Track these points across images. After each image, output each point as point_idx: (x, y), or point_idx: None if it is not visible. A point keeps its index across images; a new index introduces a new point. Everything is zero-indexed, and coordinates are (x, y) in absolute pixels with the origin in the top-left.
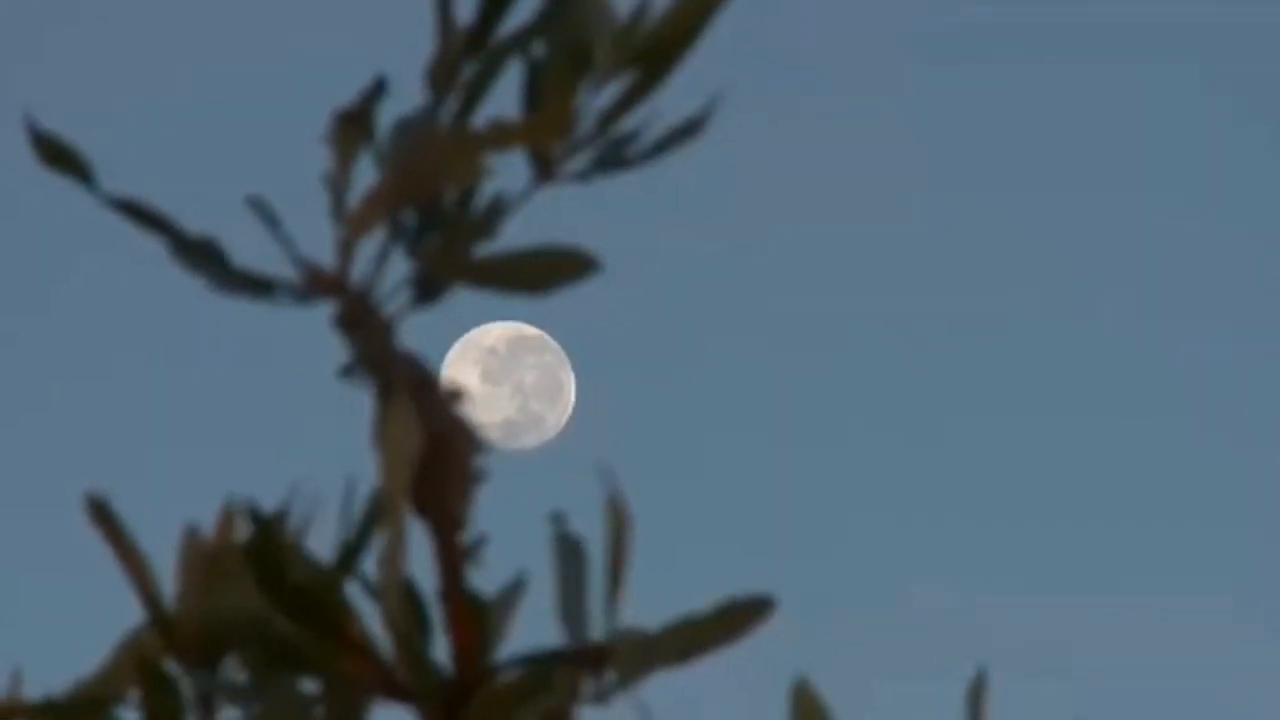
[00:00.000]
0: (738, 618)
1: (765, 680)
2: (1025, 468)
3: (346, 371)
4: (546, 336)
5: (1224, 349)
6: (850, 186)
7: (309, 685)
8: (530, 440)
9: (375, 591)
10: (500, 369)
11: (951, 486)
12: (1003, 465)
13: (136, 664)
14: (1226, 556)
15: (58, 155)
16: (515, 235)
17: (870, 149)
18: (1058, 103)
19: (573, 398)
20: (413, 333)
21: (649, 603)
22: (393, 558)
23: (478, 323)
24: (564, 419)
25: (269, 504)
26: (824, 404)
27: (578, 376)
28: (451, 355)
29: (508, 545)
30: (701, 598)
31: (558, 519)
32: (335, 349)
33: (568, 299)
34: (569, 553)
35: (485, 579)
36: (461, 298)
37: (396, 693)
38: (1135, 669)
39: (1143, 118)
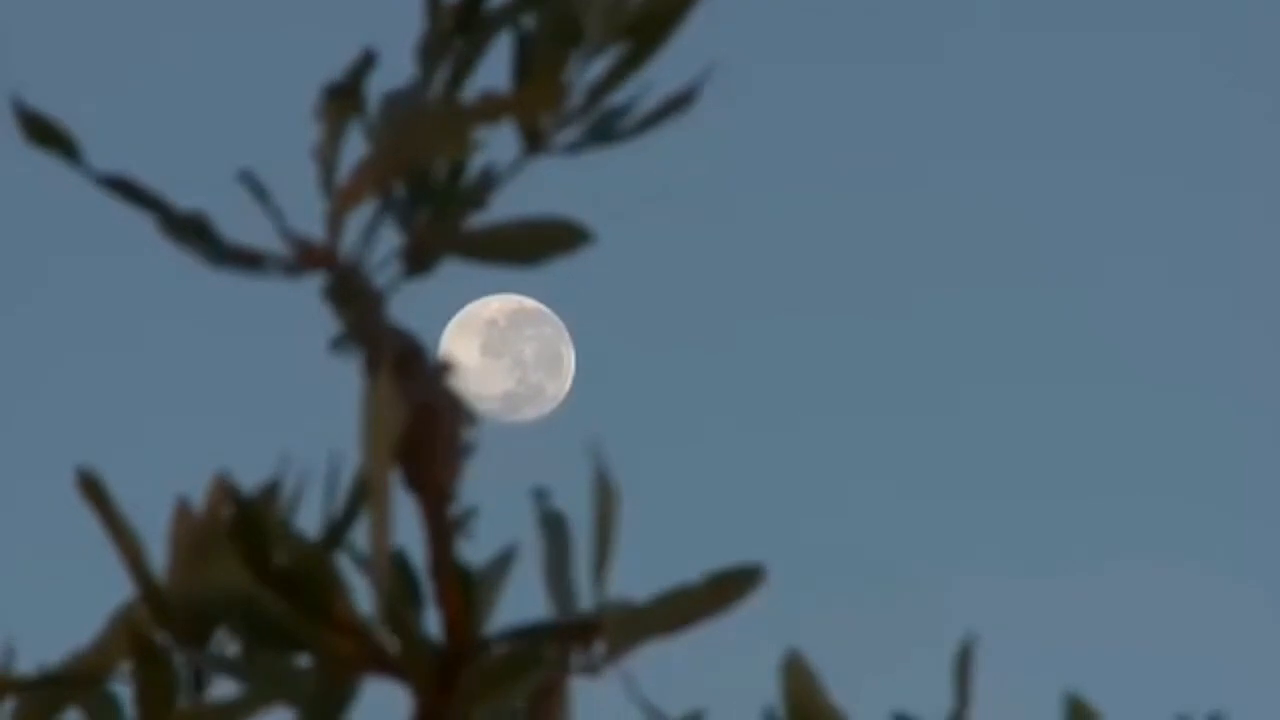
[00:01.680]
0: (727, 588)
1: (761, 659)
2: (1016, 446)
3: (336, 345)
4: (546, 309)
5: (1211, 324)
6: (849, 159)
7: (299, 660)
8: (530, 413)
9: (364, 566)
10: (500, 341)
11: (938, 464)
12: (992, 443)
13: (128, 637)
14: (1220, 534)
15: (44, 133)
16: (514, 208)
17: (870, 120)
18: (1057, 77)
19: (572, 370)
20: (411, 305)
21: (643, 576)
22: (379, 532)
23: (477, 296)
24: (564, 391)
25: (260, 478)
26: (823, 377)
27: (577, 349)
28: (451, 328)
29: (507, 518)
30: (696, 570)
31: (541, 495)
32: (326, 322)
33: (568, 272)
34: (554, 527)
35: (484, 552)
36: (460, 272)
37: (387, 668)
38: (1123, 645)
39: (1147, 91)
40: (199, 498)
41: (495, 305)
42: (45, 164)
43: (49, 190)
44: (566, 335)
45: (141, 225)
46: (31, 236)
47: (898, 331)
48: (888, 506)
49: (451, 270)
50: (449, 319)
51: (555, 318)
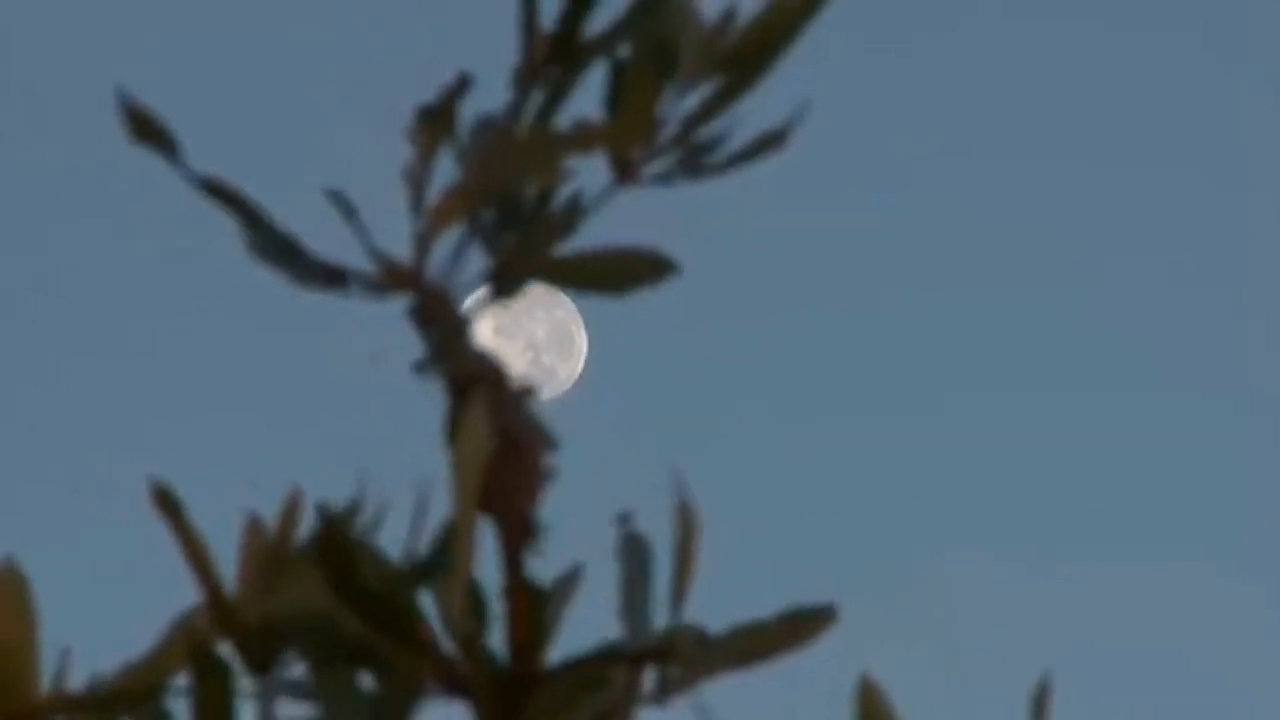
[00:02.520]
0: (801, 626)
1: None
2: (1013, 442)
3: (419, 367)
4: (558, 291)
5: (1213, 320)
6: (855, 152)
7: (366, 680)
8: (543, 394)
9: (441, 592)
10: (512, 323)
11: (932, 459)
12: (987, 439)
13: (187, 646)
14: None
15: (148, 130)
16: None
17: (874, 116)
18: (1059, 70)
19: (584, 351)
20: None
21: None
22: (462, 561)
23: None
24: (576, 373)
25: (335, 498)
26: (822, 369)
27: (589, 331)
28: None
29: None
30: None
31: (624, 519)
32: (409, 343)
33: None
34: (633, 550)
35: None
36: None
37: (456, 688)
38: (1120, 637)
39: (1146, 85)
40: (268, 516)
41: None
42: (144, 175)
43: (137, 196)
44: (579, 317)
45: (226, 234)
46: (111, 241)
47: (900, 326)
48: (884, 501)
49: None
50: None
51: (567, 300)
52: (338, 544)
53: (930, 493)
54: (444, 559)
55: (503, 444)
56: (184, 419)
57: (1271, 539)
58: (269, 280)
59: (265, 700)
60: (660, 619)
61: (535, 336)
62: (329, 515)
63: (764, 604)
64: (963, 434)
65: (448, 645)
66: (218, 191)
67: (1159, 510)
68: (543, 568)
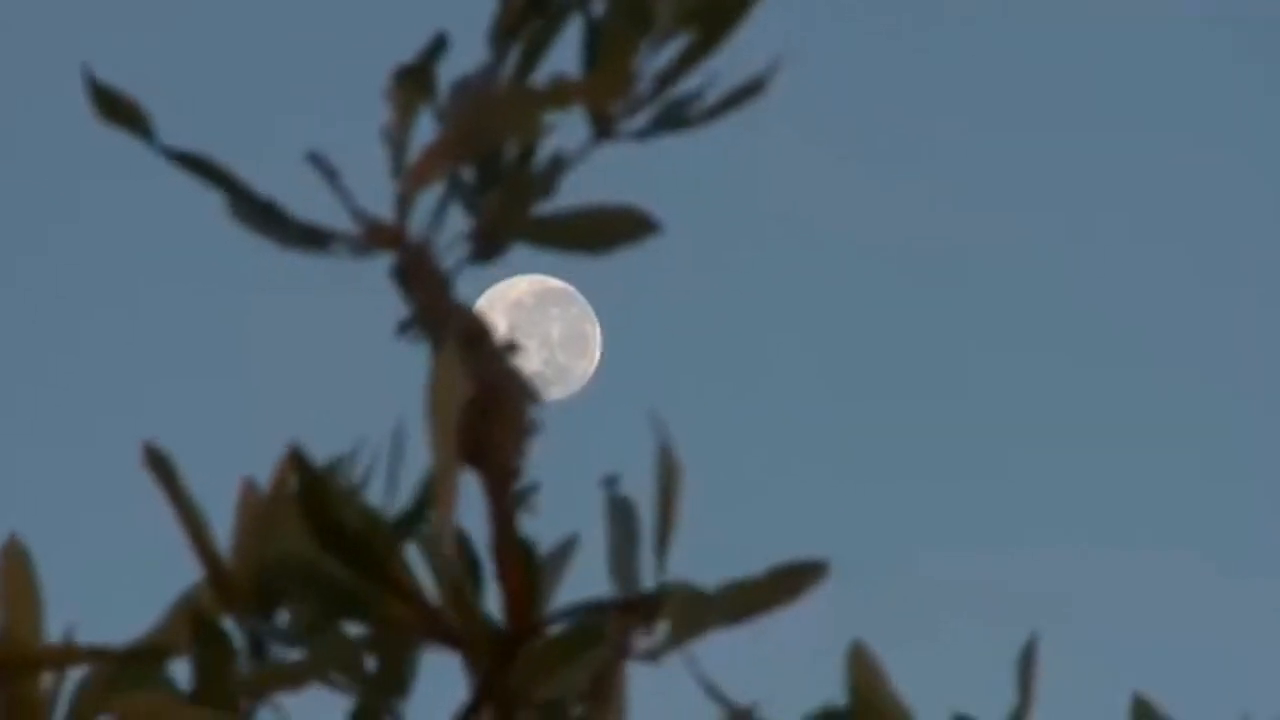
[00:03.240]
0: (792, 580)
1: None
2: (1001, 427)
3: (403, 325)
4: (572, 289)
5: (1182, 301)
6: (883, 143)
7: (359, 631)
8: (557, 393)
9: (427, 541)
10: (527, 322)
11: (916, 445)
12: (979, 426)
13: (190, 619)
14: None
15: (116, 108)
16: (577, 192)
17: (897, 94)
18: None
19: (599, 350)
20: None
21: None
22: (444, 506)
23: (504, 276)
24: (590, 371)
25: (328, 455)
26: (849, 353)
27: (603, 329)
28: (478, 308)
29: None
30: (702, 549)
31: (610, 482)
32: (396, 302)
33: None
34: (620, 509)
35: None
36: None
37: (446, 638)
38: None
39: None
40: (265, 479)
41: (522, 285)
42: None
43: (117, 166)
44: (593, 315)
45: (216, 204)
46: (101, 210)
47: (914, 314)
48: (889, 488)
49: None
50: (476, 298)
51: (581, 298)
52: (318, 491)
53: (917, 481)
54: (424, 506)
55: (485, 396)
56: (181, 386)
57: (1252, 526)
58: (257, 244)
59: (260, 647)
60: (649, 577)
61: (549, 335)
62: (307, 462)
63: None
64: (945, 421)
65: (434, 594)
66: (191, 163)
67: (1147, 500)
68: (538, 529)
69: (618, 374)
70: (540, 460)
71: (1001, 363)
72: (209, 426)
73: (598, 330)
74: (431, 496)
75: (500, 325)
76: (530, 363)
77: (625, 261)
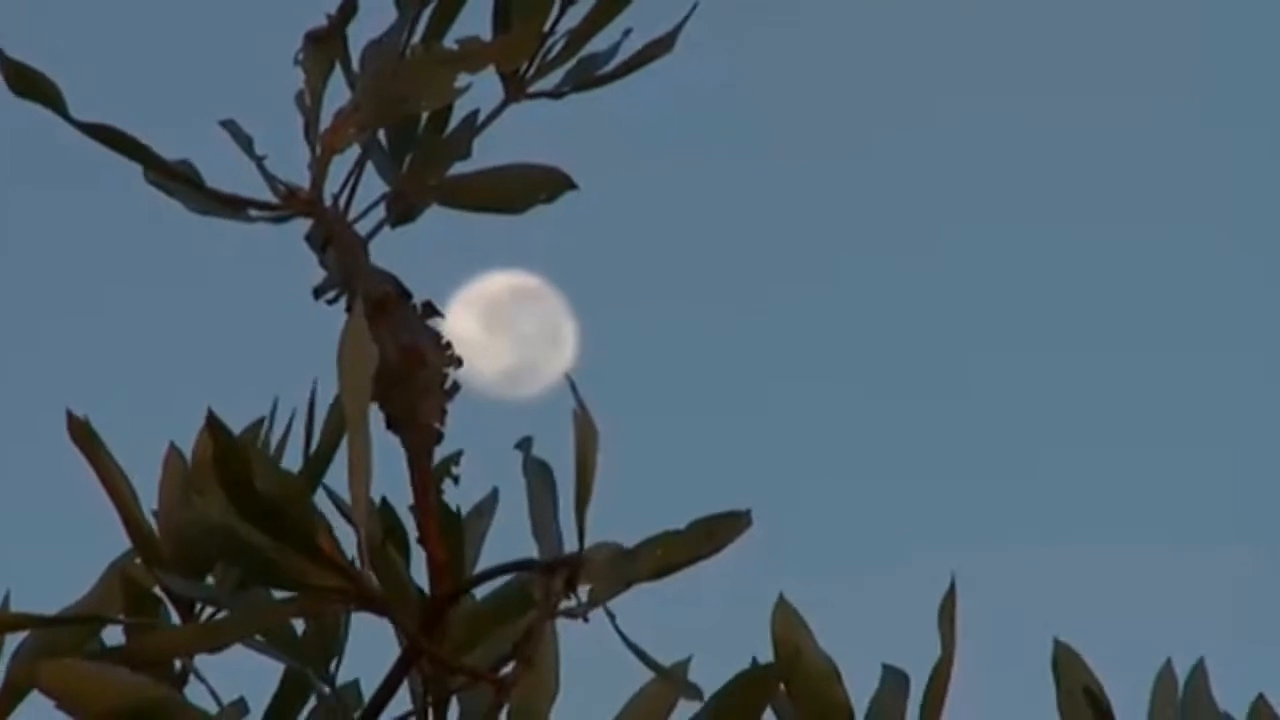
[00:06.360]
0: (713, 531)
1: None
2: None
3: (319, 289)
4: (547, 286)
5: (1163, 290)
6: (839, 97)
7: (284, 596)
8: (531, 389)
9: (345, 505)
10: (501, 318)
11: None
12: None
13: (123, 585)
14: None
15: (29, 83)
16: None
17: (859, 57)
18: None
19: (574, 346)
20: (413, 282)
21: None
22: (357, 467)
23: (479, 272)
24: (565, 367)
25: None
26: (826, 336)
27: (579, 325)
28: (452, 305)
29: (511, 492)
30: None
31: (525, 443)
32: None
33: (570, 249)
34: (539, 473)
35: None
36: (461, 244)
37: (371, 604)
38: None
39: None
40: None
41: (497, 282)
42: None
43: (30, 137)
44: (568, 311)
45: (128, 171)
46: (16, 186)
47: (896, 291)
48: (880, 480)
49: (452, 244)
50: (451, 296)
51: (556, 294)
52: (234, 457)
53: (891, 475)
54: (333, 450)
55: (404, 358)
56: (113, 354)
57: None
58: (178, 212)
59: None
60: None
61: (524, 331)
62: (223, 429)
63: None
64: (931, 414)
65: (360, 565)
66: (104, 135)
67: (1134, 493)
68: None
69: (594, 369)
70: (513, 455)
71: (994, 358)
72: (137, 399)
73: (573, 326)
74: (339, 440)
75: (474, 322)
76: (505, 359)
77: (605, 257)
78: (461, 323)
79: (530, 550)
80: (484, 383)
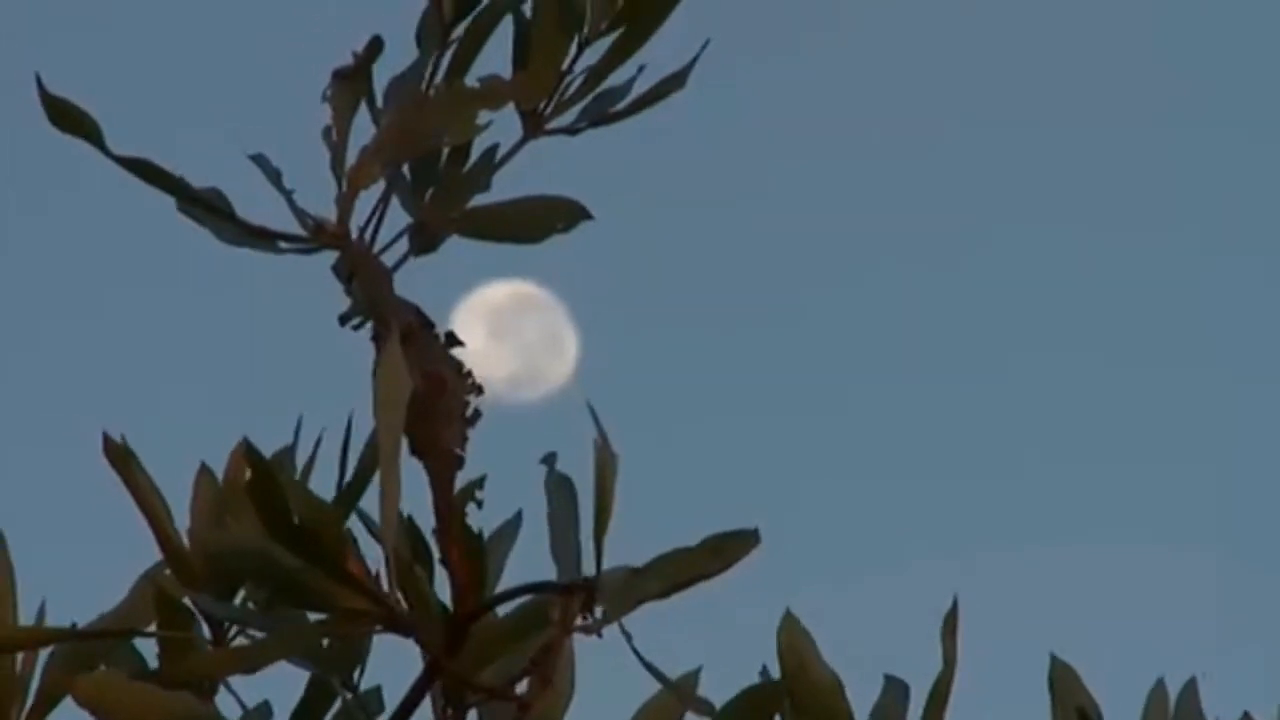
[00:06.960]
0: (721, 549)
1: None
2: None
3: (345, 318)
4: (550, 294)
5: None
6: (848, 125)
7: (313, 618)
8: (533, 395)
9: (375, 529)
10: (504, 326)
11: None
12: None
13: (155, 597)
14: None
15: (67, 116)
16: (524, 187)
17: (864, 86)
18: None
19: (575, 353)
20: (418, 290)
21: (639, 548)
22: (388, 493)
23: (483, 281)
24: (567, 374)
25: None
26: (827, 344)
27: (581, 333)
28: (457, 313)
29: (512, 497)
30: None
31: (549, 460)
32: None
33: (573, 258)
34: (560, 490)
35: (490, 524)
36: (465, 257)
37: (397, 626)
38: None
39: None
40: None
41: (500, 291)
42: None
43: (69, 166)
44: (569, 319)
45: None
46: (62, 212)
47: (885, 307)
48: (882, 486)
49: (457, 255)
50: (455, 304)
51: (559, 303)
52: (268, 482)
53: (899, 477)
54: (367, 479)
55: (427, 383)
56: (146, 375)
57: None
58: (208, 241)
59: (219, 628)
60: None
61: (527, 339)
62: (257, 454)
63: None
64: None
65: (386, 584)
66: (140, 168)
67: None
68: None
69: (595, 377)
70: (516, 462)
71: (995, 358)
72: (170, 422)
73: (574, 334)
74: (372, 469)
75: (478, 329)
76: (508, 366)
77: (606, 267)
78: (466, 330)
79: (544, 561)
80: (487, 388)
